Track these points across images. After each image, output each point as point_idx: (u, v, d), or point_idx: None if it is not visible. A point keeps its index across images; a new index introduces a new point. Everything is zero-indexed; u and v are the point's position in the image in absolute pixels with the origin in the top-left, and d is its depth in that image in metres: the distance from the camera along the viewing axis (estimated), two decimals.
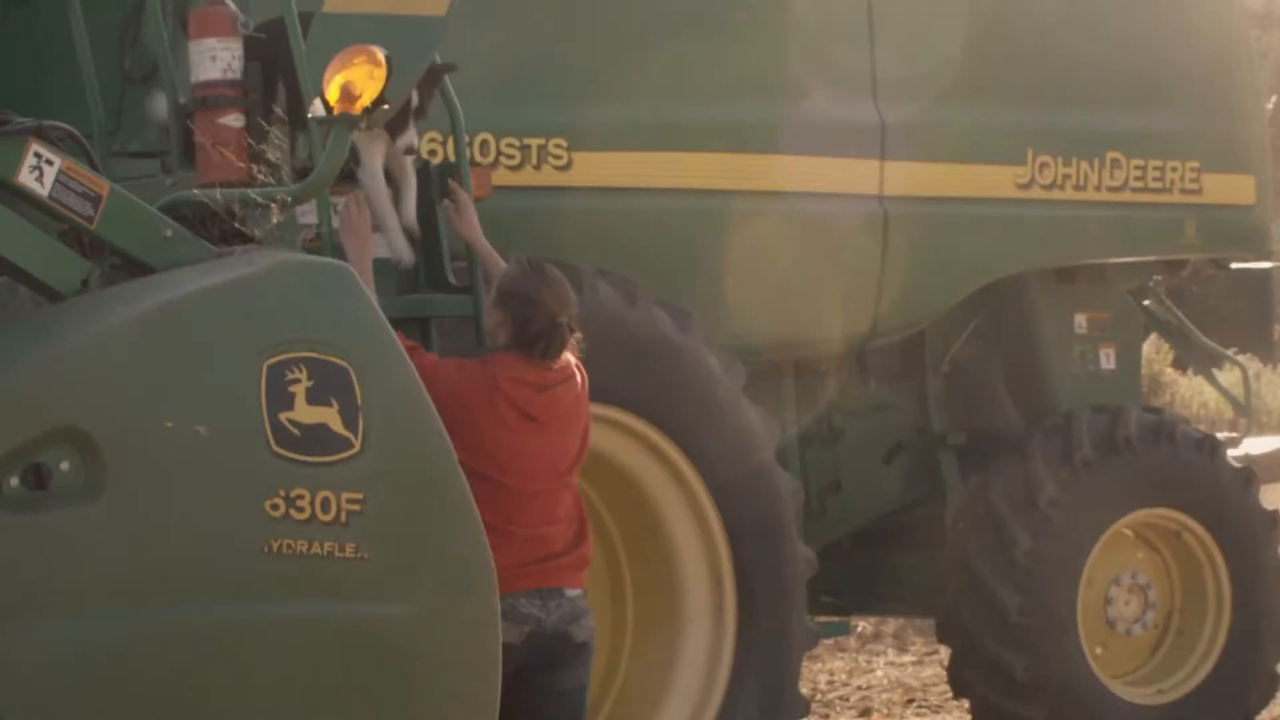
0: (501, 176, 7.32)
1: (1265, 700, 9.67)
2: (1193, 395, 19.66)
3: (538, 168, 7.65)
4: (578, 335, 5.95)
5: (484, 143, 7.46)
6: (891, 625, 13.24)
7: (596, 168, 7.84)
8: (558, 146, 7.72)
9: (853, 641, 12.95)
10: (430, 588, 5.23)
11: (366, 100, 5.48)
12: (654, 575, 7.72)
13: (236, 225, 5.47)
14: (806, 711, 8.30)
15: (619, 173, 7.92)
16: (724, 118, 8.18)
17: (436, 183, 6.67)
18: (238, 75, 6.07)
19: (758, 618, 7.67)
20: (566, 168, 7.74)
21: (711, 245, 8.16)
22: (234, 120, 6.02)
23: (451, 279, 6.67)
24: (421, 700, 5.27)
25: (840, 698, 11.37)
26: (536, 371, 5.84)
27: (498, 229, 6.71)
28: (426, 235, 6.60)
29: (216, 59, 6.07)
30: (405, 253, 6.33)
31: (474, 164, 6.97)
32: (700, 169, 8.14)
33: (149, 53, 6.91)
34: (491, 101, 7.32)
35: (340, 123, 5.50)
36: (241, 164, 5.93)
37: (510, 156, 7.61)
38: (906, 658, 13.11)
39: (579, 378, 5.98)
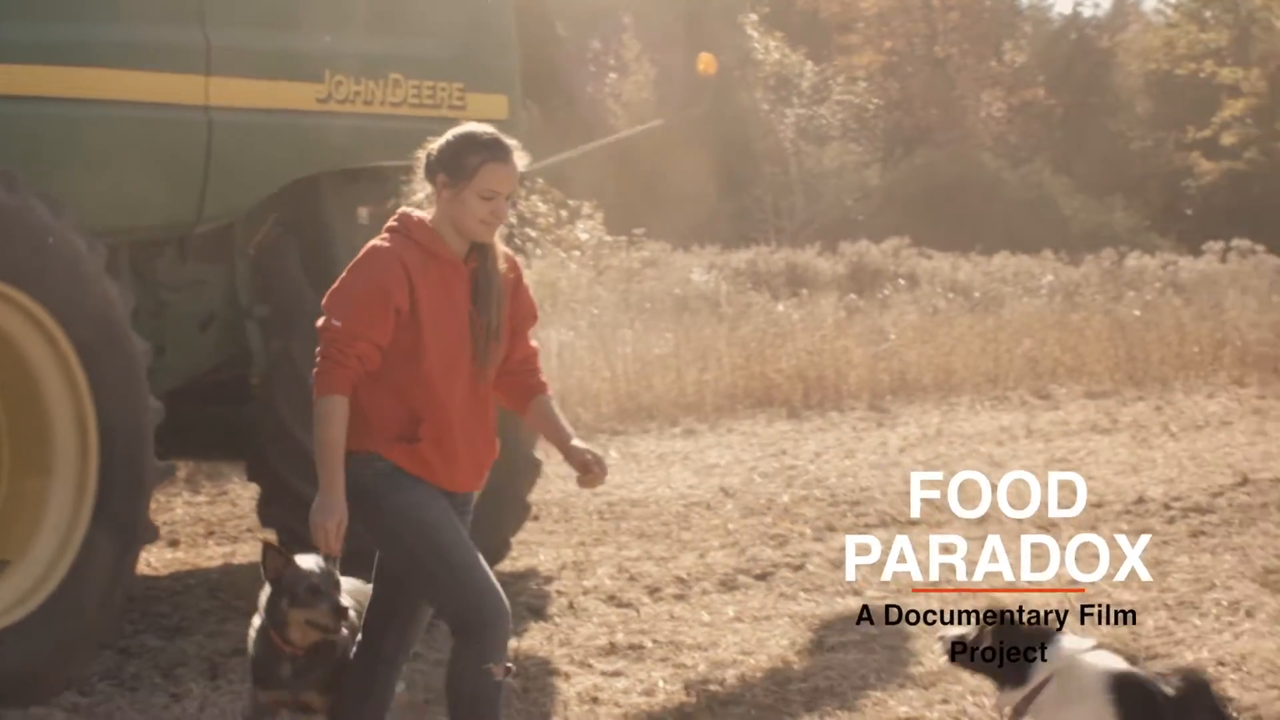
0: None
1: (519, 524, 11.14)
2: None
3: None
4: None
5: None
6: (183, 470, 13.81)
7: None
8: None
9: None
10: None
11: None
12: (27, 425, 8.37)
13: None
14: (156, 538, 9.42)
15: None
16: (73, 37, 8.93)
17: None
18: None
19: (116, 460, 8.43)
20: None
21: (62, 144, 8.92)
22: None
23: None
24: None
25: None
26: None
27: None
28: None
29: None
30: None
31: None
32: (53, 80, 8.84)
33: None
34: None
35: None
36: None
37: None
38: (200, 498, 13.92)
39: None
